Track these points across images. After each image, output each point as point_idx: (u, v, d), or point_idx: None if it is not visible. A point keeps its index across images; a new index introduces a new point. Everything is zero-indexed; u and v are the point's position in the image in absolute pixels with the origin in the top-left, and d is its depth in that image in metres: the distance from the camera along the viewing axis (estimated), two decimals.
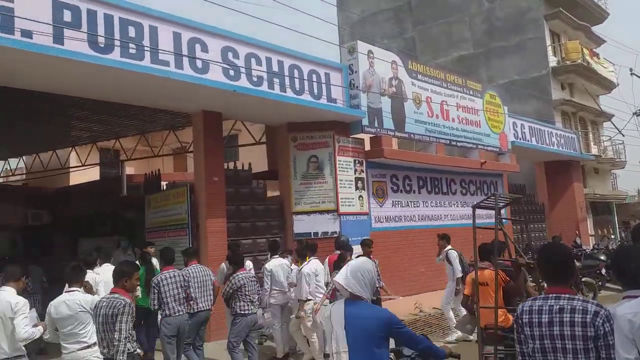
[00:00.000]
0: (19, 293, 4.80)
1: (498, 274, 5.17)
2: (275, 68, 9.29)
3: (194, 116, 9.64)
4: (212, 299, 6.91)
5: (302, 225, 10.18)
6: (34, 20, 6.35)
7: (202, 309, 6.72)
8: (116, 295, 4.34)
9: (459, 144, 13.38)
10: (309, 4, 9.03)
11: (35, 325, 4.74)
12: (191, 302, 6.59)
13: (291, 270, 7.73)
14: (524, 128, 16.30)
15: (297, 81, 9.62)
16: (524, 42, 20.96)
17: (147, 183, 11.25)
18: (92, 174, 17.57)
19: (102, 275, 6.69)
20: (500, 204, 5.69)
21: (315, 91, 9.96)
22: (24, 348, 4.73)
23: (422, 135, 12.21)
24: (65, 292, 4.84)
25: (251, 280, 6.61)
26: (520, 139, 15.82)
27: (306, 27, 8.56)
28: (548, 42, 20.82)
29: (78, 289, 4.86)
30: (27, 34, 6.35)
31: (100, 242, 11.79)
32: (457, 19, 22.97)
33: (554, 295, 2.76)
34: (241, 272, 6.61)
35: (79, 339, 4.66)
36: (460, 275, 8.74)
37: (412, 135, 11.95)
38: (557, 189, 18.70)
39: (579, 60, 20.85)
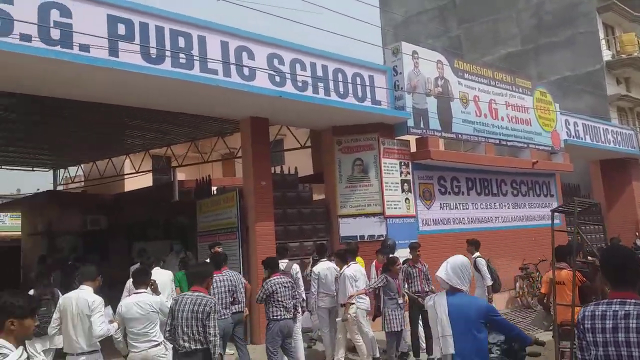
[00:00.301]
0: (95, 292, 5.09)
1: (575, 275, 5.43)
2: (319, 72, 9.36)
3: (241, 122, 9.84)
4: (244, 300, 7.09)
5: (348, 228, 10.17)
6: (91, 35, 6.66)
7: (234, 311, 6.86)
8: (202, 294, 4.58)
9: (509, 143, 13.01)
10: (350, 6, 9.04)
11: (110, 322, 5.03)
12: (237, 305, 6.78)
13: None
14: (577, 125, 15.64)
15: (341, 85, 9.66)
16: (575, 36, 20.15)
17: (198, 188, 11.58)
18: (146, 181, 18.23)
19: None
20: (576, 208, 5.78)
21: (360, 94, 9.96)
22: (98, 344, 5.01)
23: (470, 135, 11.96)
24: (134, 293, 5.17)
25: (284, 286, 6.56)
26: (573, 137, 15.20)
27: (348, 30, 8.59)
28: (601, 35, 19.92)
29: (145, 290, 5.19)
30: (84, 48, 6.65)
31: (154, 246, 12.23)
32: (504, 16, 22.37)
33: (619, 300, 2.64)
34: (275, 277, 6.62)
35: (150, 338, 4.97)
36: (490, 283, 8.37)
37: (459, 135, 11.73)
38: (615, 189, 17.79)
39: (635, 54, 19.82)
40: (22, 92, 7.94)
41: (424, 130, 10.84)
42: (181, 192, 15.29)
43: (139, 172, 17.34)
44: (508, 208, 13.02)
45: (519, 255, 12.48)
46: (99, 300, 4.95)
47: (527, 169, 13.34)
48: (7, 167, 18.01)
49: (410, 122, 10.52)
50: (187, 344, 4.45)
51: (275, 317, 6.46)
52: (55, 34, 6.48)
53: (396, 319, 6.89)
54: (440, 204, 11.38)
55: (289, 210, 9.97)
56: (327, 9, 8.76)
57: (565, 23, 20.36)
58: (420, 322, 7.74)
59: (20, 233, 24.30)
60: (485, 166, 12.26)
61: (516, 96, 13.38)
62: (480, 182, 12.47)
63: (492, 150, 12.50)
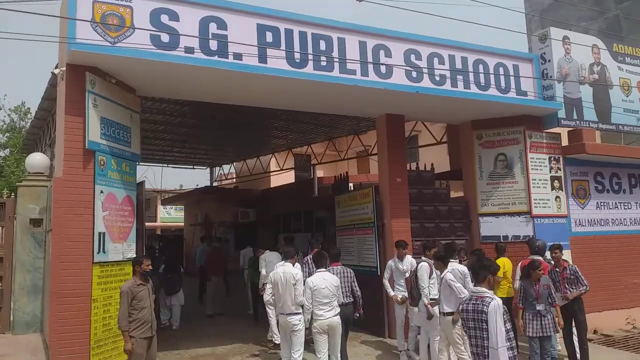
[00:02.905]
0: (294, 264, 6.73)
1: None
2: (458, 65, 9.10)
3: (377, 120, 9.95)
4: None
5: (489, 227, 9.74)
6: (243, 44, 7.30)
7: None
8: (343, 267, 6.88)
9: None
10: None
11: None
12: None
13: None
14: None
15: (482, 76, 9.28)
16: None
17: (336, 184, 12.01)
18: (289, 177, 19.48)
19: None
20: None
21: (503, 85, 9.45)
22: (299, 307, 6.35)
23: (633, 127, 10.65)
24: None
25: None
26: None
27: (490, 20, 8.20)
28: None
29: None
30: (238, 56, 7.30)
31: (296, 238, 12.95)
32: None
33: None
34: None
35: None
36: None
37: (620, 126, 10.49)
38: None
39: None
40: (188, 99, 8.99)
41: (578, 122, 9.91)
42: (320, 188, 15.97)
43: (283, 170, 18.59)
44: None
45: None
46: (300, 274, 6.52)
47: None
48: (172, 166, 20.53)
49: (562, 113, 9.69)
50: (344, 299, 6.59)
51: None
52: (213, 45, 7.23)
53: (531, 324, 6.64)
54: (597, 203, 10.30)
55: (426, 208, 9.84)
56: None
57: None
58: (575, 333, 7.21)
59: (182, 224, 27.60)
60: None
61: None
62: None
63: None
